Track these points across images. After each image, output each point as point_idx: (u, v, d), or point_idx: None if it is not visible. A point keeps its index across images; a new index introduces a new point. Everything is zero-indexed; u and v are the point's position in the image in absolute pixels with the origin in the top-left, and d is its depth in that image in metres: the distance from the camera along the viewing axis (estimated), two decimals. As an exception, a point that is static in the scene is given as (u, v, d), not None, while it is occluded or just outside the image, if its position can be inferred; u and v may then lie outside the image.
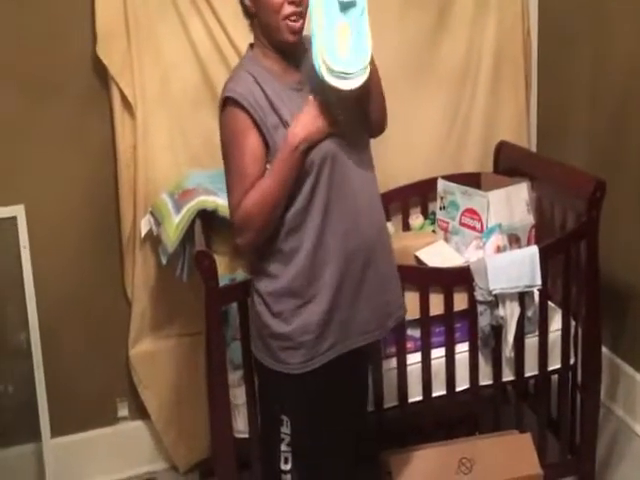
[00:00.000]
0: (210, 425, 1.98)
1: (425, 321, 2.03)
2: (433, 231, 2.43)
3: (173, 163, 2.30)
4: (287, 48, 1.61)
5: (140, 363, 2.39)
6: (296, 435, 1.70)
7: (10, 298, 2.26)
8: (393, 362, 2.04)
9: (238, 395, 1.96)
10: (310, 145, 1.56)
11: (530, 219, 2.31)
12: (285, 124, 1.58)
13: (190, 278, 2.15)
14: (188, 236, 2.08)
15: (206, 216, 2.07)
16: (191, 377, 2.34)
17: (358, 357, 1.75)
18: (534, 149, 2.67)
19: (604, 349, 2.26)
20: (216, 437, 1.96)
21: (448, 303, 2.04)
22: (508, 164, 2.48)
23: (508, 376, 2.13)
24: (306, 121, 1.56)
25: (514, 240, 2.26)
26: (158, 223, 2.15)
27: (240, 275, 2.08)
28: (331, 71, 1.50)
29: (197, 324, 2.21)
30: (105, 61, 2.18)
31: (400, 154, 2.46)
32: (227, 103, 1.59)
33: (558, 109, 2.58)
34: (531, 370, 2.14)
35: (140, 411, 2.47)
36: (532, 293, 2.10)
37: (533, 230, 2.31)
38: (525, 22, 2.55)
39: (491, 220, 2.22)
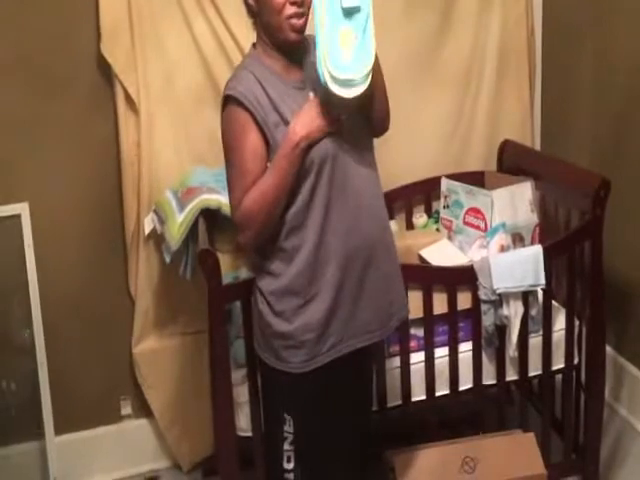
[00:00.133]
0: (213, 423, 1.98)
1: (429, 320, 2.03)
2: (437, 230, 2.42)
3: (177, 161, 2.31)
4: (289, 47, 1.61)
5: (144, 361, 2.40)
6: (299, 434, 1.70)
7: (14, 296, 2.27)
8: (396, 361, 2.04)
9: (241, 393, 1.96)
10: (310, 143, 1.56)
11: (534, 218, 2.30)
12: (286, 122, 1.58)
13: (193, 276, 2.15)
14: (191, 234, 2.08)
15: (209, 214, 2.07)
16: (194, 375, 2.34)
17: (361, 356, 1.75)
18: (538, 148, 2.67)
19: (608, 349, 2.25)
20: (219, 435, 1.96)
21: (452, 302, 2.03)
22: (512, 163, 2.47)
23: (512, 375, 2.13)
24: (307, 119, 1.56)
25: (518, 239, 2.25)
26: (162, 221, 2.15)
27: (243, 273, 2.08)
28: (334, 79, 1.50)
29: (200, 322, 2.22)
30: (109, 59, 2.18)
31: (404, 153, 2.46)
32: (228, 101, 1.60)
33: (562, 108, 2.57)
34: (535, 370, 2.13)
35: (143, 409, 2.47)
36: (536, 292, 2.10)
37: (537, 229, 2.31)
38: (529, 21, 2.54)
39: (495, 219, 2.22)
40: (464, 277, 2.03)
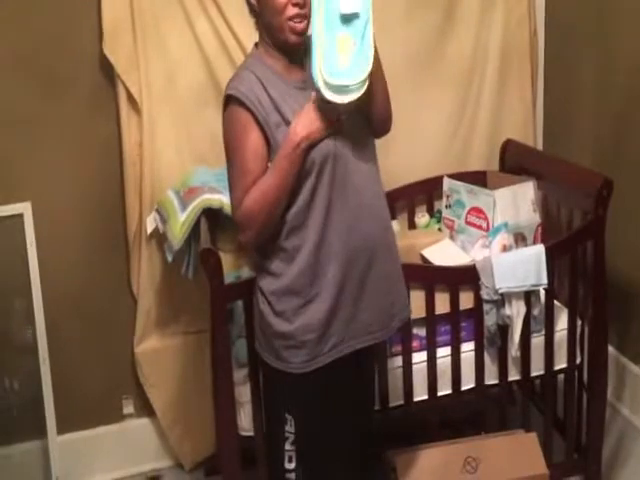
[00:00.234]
0: (215, 423, 1.98)
1: (431, 320, 2.03)
2: (439, 229, 2.42)
3: (178, 161, 2.31)
4: (290, 48, 1.61)
5: (146, 360, 2.40)
6: (300, 434, 1.70)
7: (16, 295, 2.27)
8: (398, 361, 2.04)
9: (243, 393, 1.96)
10: (311, 144, 1.56)
11: (536, 218, 2.30)
12: (287, 123, 1.58)
13: (196, 276, 2.15)
14: (194, 234, 2.08)
15: (211, 214, 2.07)
16: (196, 375, 2.34)
17: (362, 357, 1.75)
18: (540, 148, 2.67)
19: (610, 348, 2.25)
20: (221, 435, 1.96)
21: (454, 302, 2.03)
22: (514, 163, 2.47)
23: (514, 375, 2.13)
24: (308, 120, 1.56)
25: (520, 239, 2.25)
26: (164, 220, 2.15)
27: (245, 273, 2.08)
28: (328, 85, 1.50)
29: (203, 322, 2.22)
30: (111, 59, 2.18)
31: (406, 152, 2.45)
32: (230, 101, 1.60)
33: (564, 108, 2.57)
34: (537, 369, 2.13)
35: (146, 408, 2.48)
36: (538, 292, 2.10)
37: (539, 229, 2.31)
38: (531, 21, 2.54)
39: (497, 219, 2.22)
40: (466, 277, 2.03)
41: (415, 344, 2.05)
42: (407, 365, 2.03)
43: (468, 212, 2.30)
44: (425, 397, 2.07)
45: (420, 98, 2.47)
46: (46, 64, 2.20)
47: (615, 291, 2.23)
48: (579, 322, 2.15)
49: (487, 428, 2.19)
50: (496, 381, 2.11)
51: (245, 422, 1.97)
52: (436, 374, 2.05)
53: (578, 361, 2.17)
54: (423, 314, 2.02)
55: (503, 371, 2.10)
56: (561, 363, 2.15)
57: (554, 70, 2.61)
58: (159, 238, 2.28)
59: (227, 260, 1.99)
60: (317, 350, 1.64)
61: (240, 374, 1.97)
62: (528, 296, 2.06)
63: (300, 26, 1.57)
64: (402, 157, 2.44)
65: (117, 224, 2.35)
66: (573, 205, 2.21)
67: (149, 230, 2.29)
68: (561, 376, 2.19)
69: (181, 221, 2.05)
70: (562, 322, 2.15)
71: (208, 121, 2.27)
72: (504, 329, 2.07)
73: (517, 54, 2.54)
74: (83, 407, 2.41)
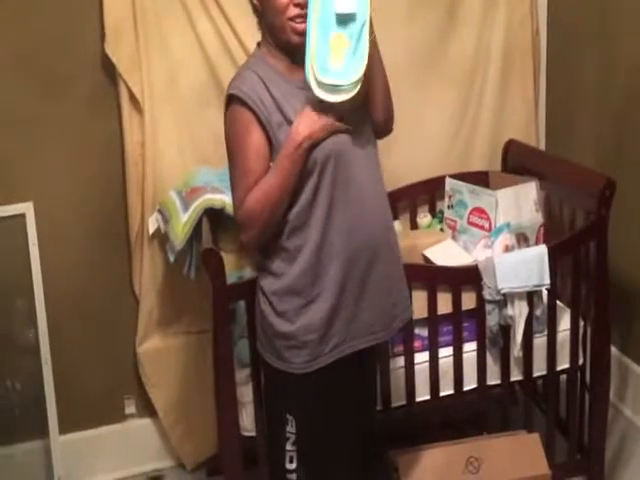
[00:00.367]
0: (217, 423, 1.98)
1: (433, 320, 2.03)
2: (441, 230, 2.42)
3: (181, 160, 2.31)
4: (292, 48, 1.61)
5: (148, 360, 2.40)
6: (301, 434, 1.70)
7: (18, 295, 2.27)
8: (401, 361, 2.04)
9: (245, 393, 1.96)
10: (313, 143, 1.56)
11: (539, 218, 2.30)
12: (289, 122, 1.58)
13: (198, 276, 2.15)
14: (196, 234, 2.08)
15: (213, 214, 2.07)
16: (199, 375, 2.34)
17: (364, 357, 1.75)
18: (542, 148, 2.66)
19: (613, 349, 2.25)
20: (223, 435, 1.96)
21: (456, 302, 2.03)
22: (516, 163, 2.47)
23: (516, 376, 2.12)
24: (310, 119, 1.56)
25: (522, 239, 2.25)
26: (166, 220, 2.15)
27: (247, 273, 2.07)
28: (319, 83, 1.50)
29: (205, 322, 2.22)
30: (113, 58, 2.18)
31: (408, 152, 2.45)
32: (232, 101, 1.60)
33: (567, 108, 2.57)
34: (539, 370, 2.13)
35: (147, 408, 2.48)
36: (541, 292, 2.09)
37: (542, 229, 2.30)
38: (534, 21, 2.54)
39: (499, 219, 2.21)
40: (468, 277, 2.03)
41: (417, 344, 2.05)
42: (409, 365, 2.03)
43: (470, 212, 2.30)
44: (427, 397, 2.07)
45: (422, 98, 2.47)
46: (48, 64, 2.20)
47: (618, 291, 2.22)
48: (582, 322, 2.15)
49: (489, 428, 2.19)
50: (498, 381, 2.11)
51: (247, 422, 1.97)
52: (438, 374, 2.05)
53: (581, 362, 2.17)
54: (425, 314, 2.02)
55: (505, 371, 2.10)
56: (563, 364, 2.15)
57: (556, 70, 2.61)
58: (161, 238, 2.28)
59: (229, 260, 1.99)
60: (318, 350, 1.64)
61: (242, 374, 1.97)
62: (530, 296, 2.06)
63: (302, 26, 1.57)
64: (404, 157, 2.44)
65: (119, 224, 2.35)
66: (576, 205, 2.21)
67: (151, 230, 2.29)
68: (563, 376, 2.19)
69: (183, 221, 2.05)
70: (565, 322, 2.15)
71: (210, 121, 2.26)
72: (506, 329, 2.06)
73: (519, 54, 2.54)
74: (85, 407, 2.41)
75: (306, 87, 1.54)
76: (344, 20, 1.50)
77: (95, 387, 2.41)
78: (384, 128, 1.72)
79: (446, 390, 2.07)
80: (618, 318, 2.24)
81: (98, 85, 2.25)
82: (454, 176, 2.41)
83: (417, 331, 2.04)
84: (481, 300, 2.03)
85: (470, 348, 2.07)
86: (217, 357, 1.91)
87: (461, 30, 2.48)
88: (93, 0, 2.17)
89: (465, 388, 2.08)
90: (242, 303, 1.94)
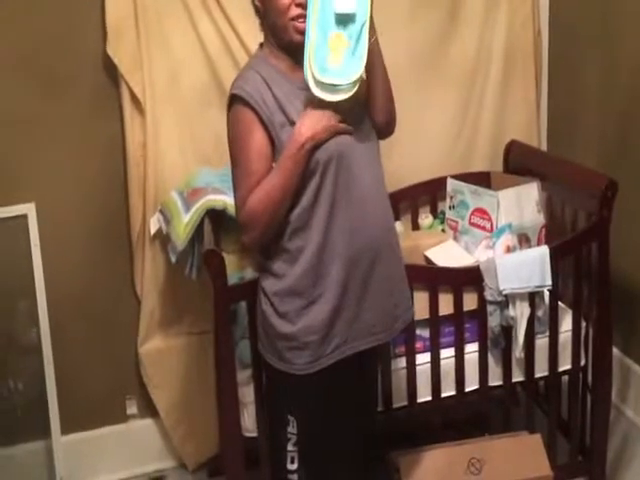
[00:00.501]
0: (219, 423, 1.98)
1: (434, 321, 2.03)
2: (442, 230, 2.42)
3: (182, 161, 2.31)
4: (294, 48, 1.61)
5: (149, 361, 2.40)
6: (302, 435, 1.70)
7: (21, 295, 2.28)
8: (402, 362, 2.04)
9: (247, 394, 1.96)
10: (316, 144, 1.56)
11: (540, 219, 2.30)
12: (292, 123, 1.58)
13: (199, 276, 2.15)
14: (197, 235, 2.08)
15: (215, 215, 2.07)
16: (200, 375, 2.34)
17: (365, 358, 1.74)
18: (544, 148, 2.66)
19: (615, 350, 2.24)
20: (224, 436, 1.96)
21: (458, 303, 2.03)
22: (518, 163, 2.47)
23: (518, 377, 2.12)
24: (312, 120, 1.56)
25: (524, 240, 2.25)
26: (167, 221, 2.15)
27: (249, 274, 2.07)
28: (317, 81, 1.50)
29: (206, 322, 2.22)
30: (115, 59, 2.18)
31: (409, 153, 2.45)
32: (234, 101, 1.60)
33: (568, 108, 2.56)
34: (541, 371, 2.12)
35: (149, 409, 2.48)
36: (542, 293, 2.09)
37: (543, 230, 2.30)
38: (536, 22, 2.53)
39: (501, 220, 2.21)
40: (470, 278, 2.03)
41: (419, 345, 2.05)
42: (411, 366, 2.03)
43: (472, 213, 2.29)
44: (429, 398, 2.06)
45: (423, 99, 2.46)
46: (49, 64, 2.20)
47: (620, 292, 2.22)
48: (583, 323, 2.15)
49: (491, 429, 2.18)
50: (500, 382, 2.11)
51: (248, 423, 1.97)
52: (440, 375, 2.05)
53: (582, 362, 2.16)
54: (427, 315, 2.01)
55: (507, 372, 2.10)
56: (565, 364, 2.14)
57: (558, 71, 2.60)
58: (163, 239, 2.29)
59: (231, 261, 1.99)
60: (320, 351, 1.64)
61: (244, 375, 1.97)
62: (532, 297, 2.06)
63: (304, 25, 1.57)
64: (406, 158, 2.44)
65: (121, 225, 2.35)
66: (577, 206, 2.21)
67: (153, 231, 2.29)
68: (565, 377, 2.18)
69: (185, 222, 2.05)
70: (566, 323, 2.15)
71: (212, 121, 2.27)
72: (508, 330, 2.06)
73: (521, 55, 2.54)
74: (87, 407, 2.41)
75: (305, 86, 1.55)
76: (343, 20, 1.51)
77: (97, 387, 2.41)
78: (386, 130, 1.72)
79: (448, 391, 2.07)
80: (620, 319, 2.24)
81: (100, 85, 2.25)
82: (456, 177, 2.41)
83: (419, 332, 2.04)
84: (483, 301, 2.02)
85: (472, 349, 2.07)
86: (218, 358, 1.91)
87: (463, 31, 2.48)
88: (94, 1, 2.17)
89: (467, 389, 2.08)
90: (243, 304, 1.93)
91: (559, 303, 2.13)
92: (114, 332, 2.41)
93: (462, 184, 2.35)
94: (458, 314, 2.03)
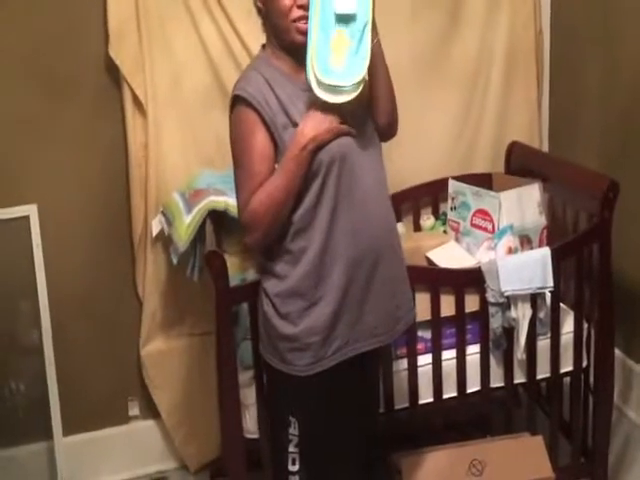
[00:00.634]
0: (220, 425, 1.98)
1: (436, 322, 2.02)
2: (444, 232, 2.42)
3: (184, 163, 2.31)
4: (297, 49, 1.61)
5: (151, 362, 2.40)
6: (304, 436, 1.70)
7: (22, 297, 2.28)
8: (404, 363, 2.04)
9: (248, 395, 1.96)
10: (319, 145, 1.56)
11: (542, 220, 2.30)
12: (295, 124, 1.58)
13: (201, 278, 2.15)
14: (199, 236, 2.08)
15: (217, 216, 2.08)
16: (202, 377, 2.35)
17: (367, 359, 1.74)
18: (546, 150, 2.66)
19: (617, 351, 2.24)
20: (226, 437, 1.96)
21: (459, 304, 2.03)
22: (520, 164, 2.46)
23: (520, 378, 2.12)
24: (315, 121, 1.56)
25: (526, 241, 2.25)
26: (169, 223, 2.15)
27: (251, 275, 2.07)
28: (320, 83, 1.50)
29: (208, 324, 2.22)
30: (117, 61, 2.19)
31: (411, 154, 2.45)
32: (237, 102, 1.60)
33: (570, 109, 2.56)
34: (543, 372, 2.12)
35: (151, 410, 2.48)
36: (544, 295, 2.09)
37: (545, 231, 2.30)
38: (537, 22, 2.53)
39: (503, 221, 2.21)
40: (472, 279, 2.03)
41: (420, 347, 2.05)
42: (412, 367, 2.03)
43: (473, 214, 2.29)
44: (430, 400, 2.06)
45: (425, 100, 2.46)
46: (52, 65, 2.20)
47: (621, 293, 2.22)
48: (585, 325, 2.15)
49: (493, 431, 2.18)
50: (502, 384, 2.11)
51: (250, 424, 1.97)
52: (441, 377, 2.05)
53: (584, 364, 2.16)
54: (428, 316, 2.01)
55: (509, 374, 2.10)
56: (567, 366, 2.14)
57: (560, 72, 2.60)
58: (164, 240, 2.29)
59: (232, 262, 1.99)
60: (321, 353, 1.64)
61: (245, 376, 1.97)
62: (534, 299, 2.06)
63: (306, 26, 1.57)
64: (407, 159, 2.44)
65: (122, 226, 2.35)
66: (579, 207, 2.20)
67: (154, 232, 2.29)
68: (567, 379, 2.18)
69: (186, 223, 2.06)
70: (568, 325, 2.14)
71: (213, 123, 2.27)
72: (510, 332, 2.06)
73: (522, 56, 2.54)
74: (89, 409, 2.41)
75: (308, 88, 1.55)
76: (345, 20, 1.50)
77: (99, 389, 2.41)
78: (388, 132, 1.72)
79: (449, 392, 2.07)
80: (622, 320, 2.24)
81: (102, 87, 2.26)
82: (457, 178, 2.40)
83: (420, 333, 2.04)
84: (484, 302, 2.02)
85: (473, 350, 2.07)
86: (220, 359, 1.91)
87: (464, 32, 2.48)
88: (97, 3, 2.18)
89: (468, 390, 2.08)
90: (245, 305, 1.93)
91: (561, 304, 2.12)
92: (116, 333, 2.41)
93: (464, 185, 2.35)
94: (460, 315, 2.03)
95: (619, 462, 2.31)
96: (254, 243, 1.63)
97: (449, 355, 2.06)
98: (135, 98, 2.23)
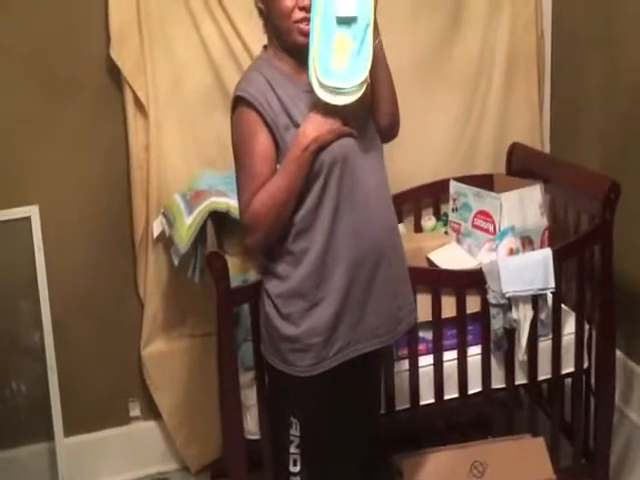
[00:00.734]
0: (221, 426, 1.99)
1: (437, 323, 2.02)
2: (445, 233, 2.42)
3: (185, 164, 2.31)
4: (298, 50, 1.61)
5: (152, 363, 2.40)
6: (305, 437, 1.70)
7: (24, 298, 2.28)
8: (405, 364, 2.04)
9: (249, 396, 1.96)
10: (320, 146, 1.56)
11: (543, 221, 2.30)
12: (296, 125, 1.58)
13: (202, 279, 2.15)
14: (200, 237, 2.08)
15: (218, 217, 2.08)
16: (203, 378, 2.35)
17: (369, 360, 1.74)
18: (547, 151, 2.66)
19: (618, 353, 2.24)
20: (227, 438, 1.96)
21: (460, 305, 2.03)
22: (521, 166, 2.47)
23: (521, 379, 2.12)
24: (317, 122, 1.56)
25: (527, 242, 2.25)
26: (170, 224, 2.16)
27: (252, 276, 2.07)
28: (322, 84, 1.50)
29: (209, 325, 2.22)
30: (118, 63, 2.19)
31: (412, 156, 2.45)
32: (238, 102, 1.60)
33: (571, 111, 2.56)
34: (544, 373, 2.12)
35: (152, 411, 2.48)
36: (545, 296, 2.09)
37: (546, 232, 2.30)
38: (538, 24, 2.54)
39: (504, 222, 2.21)
40: (473, 280, 2.03)
41: (421, 347, 2.05)
42: (413, 368, 2.03)
43: (475, 215, 2.29)
44: (432, 401, 2.06)
45: (426, 101, 2.47)
46: (52, 67, 2.21)
47: (623, 295, 2.22)
48: (587, 326, 2.14)
49: (494, 432, 2.18)
50: (503, 385, 2.11)
51: (251, 425, 1.97)
52: (443, 378, 2.05)
53: (586, 365, 2.16)
54: (429, 318, 2.01)
55: (510, 375, 2.10)
56: (568, 367, 2.14)
57: (561, 73, 2.60)
58: (166, 241, 2.29)
59: (233, 263, 1.99)
60: (323, 354, 1.64)
61: (246, 377, 1.97)
62: (535, 300, 2.06)
63: (308, 28, 1.57)
64: (408, 160, 2.44)
65: (124, 227, 2.35)
66: (580, 208, 2.20)
67: (156, 233, 2.29)
68: (568, 380, 2.18)
69: (187, 224, 2.06)
70: (569, 326, 2.14)
71: (215, 124, 2.27)
72: (511, 333, 2.06)
73: (524, 57, 2.54)
74: (90, 410, 2.41)
75: (310, 89, 1.55)
76: (347, 22, 1.51)
77: (100, 390, 2.41)
78: (389, 133, 1.72)
79: (450, 393, 2.07)
80: (623, 321, 2.24)
81: (103, 89, 2.26)
82: (458, 179, 2.41)
83: (421, 334, 2.04)
84: (485, 303, 2.02)
85: (474, 351, 2.07)
86: (221, 360, 1.91)
87: (466, 33, 2.48)
88: (98, 4, 2.18)
89: (470, 392, 2.08)
90: (246, 306, 1.93)
91: (562, 306, 2.12)
92: (117, 334, 2.41)
93: (465, 186, 2.35)
94: (461, 317, 2.03)
95: (620, 463, 2.30)
96: (255, 244, 1.63)
97: (450, 356, 2.06)
98: (136, 99, 2.23)
